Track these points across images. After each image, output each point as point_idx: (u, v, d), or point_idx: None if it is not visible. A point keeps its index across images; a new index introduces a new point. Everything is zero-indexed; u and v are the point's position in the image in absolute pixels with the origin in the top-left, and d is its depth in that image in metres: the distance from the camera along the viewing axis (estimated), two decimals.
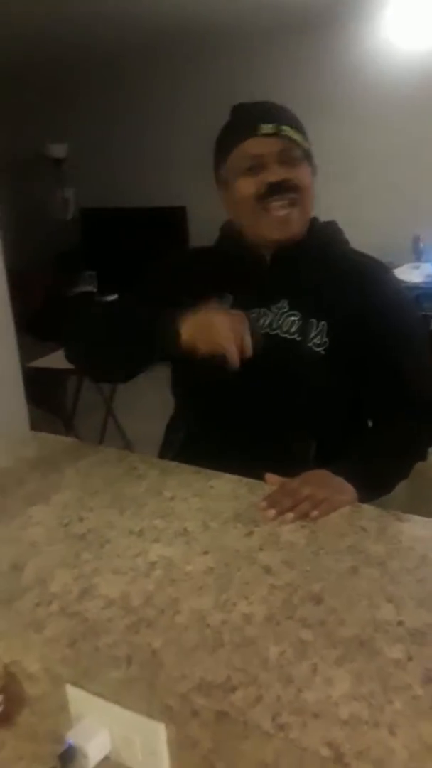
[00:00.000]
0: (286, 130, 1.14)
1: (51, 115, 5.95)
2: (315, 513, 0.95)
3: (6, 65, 5.31)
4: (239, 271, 1.24)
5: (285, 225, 1.16)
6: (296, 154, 1.15)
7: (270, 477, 1.05)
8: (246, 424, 1.17)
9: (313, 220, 1.26)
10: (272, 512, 0.95)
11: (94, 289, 5.78)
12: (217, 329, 1.02)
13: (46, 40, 4.74)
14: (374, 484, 1.08)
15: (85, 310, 1.25)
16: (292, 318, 1.18)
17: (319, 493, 0.98)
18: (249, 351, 1.01)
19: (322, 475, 1.03)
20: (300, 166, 1.16)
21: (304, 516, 0.95)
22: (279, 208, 1.14)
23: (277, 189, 1.13)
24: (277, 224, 1.16)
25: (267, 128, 1.13)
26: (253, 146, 1.14)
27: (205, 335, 1.03)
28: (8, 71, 5.46)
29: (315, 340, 1.16)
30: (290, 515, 0.95)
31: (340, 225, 1.30)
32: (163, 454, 1.27)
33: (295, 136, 1.15)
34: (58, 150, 5.95)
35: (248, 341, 1.01)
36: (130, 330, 1.14)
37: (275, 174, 1.13)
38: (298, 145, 1.15)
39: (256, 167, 1.14)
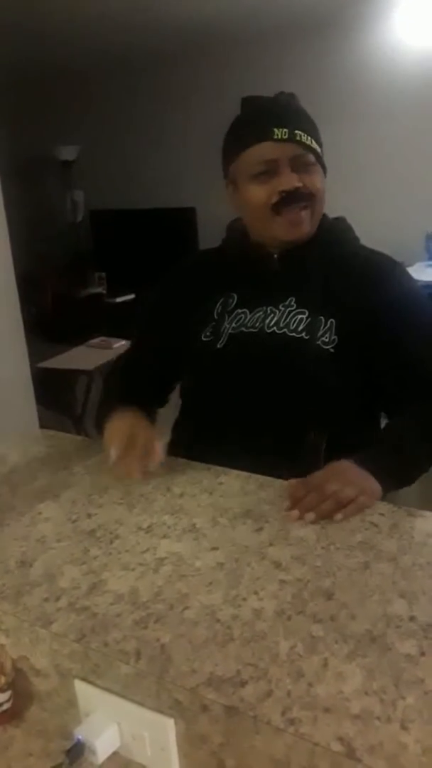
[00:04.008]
0: (300, 135, 1.12)
1: (60, 117, 5.98)
2: (339, 516, 0.93)
3: (17, 68, 5.34)
4: (246, 269, 1.24)
5: (297, 227, 1.16)
6: (309, 160, 1.14)
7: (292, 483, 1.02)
8: (255, 421, 1.16)
9: (323, 217, 1.25)
10: (295, 514, 0.93)
11: (104, 291, 5.80)
12: (109, 439, 1.12)
13: (56, 43, 4.76)
14: (401, 474, 1.06)
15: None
16: (300, 316, 1.17)
17: (345, 491, 0.95)
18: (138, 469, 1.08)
19: (347, 468, 1.00)
20: (313, 172, 1.15)
21: (328, 517, 0.93)
22: (291, 214, 1.14)
23: (290, 198, 1.12)
24: (289, 226, 1.15)
25: (280, 132, 1.10)
26: (265, 151, 1.12)
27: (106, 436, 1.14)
28: (18, 74, 5.49)
29: (323, 338, 1.14)
30: (311, 515, 0.92)
31: (353, 224, 1.29)
32: (171, 453, 1.27)
33: (308, 140, 1.13)
34: (68, 152, 5.98)
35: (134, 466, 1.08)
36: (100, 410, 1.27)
37: (288, 182, 1.12)
38: (311, 150, 1.14)
39: (268, 173, 1.13)
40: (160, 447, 1.08)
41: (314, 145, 1.14)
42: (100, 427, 1.21)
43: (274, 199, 1.13)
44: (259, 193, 1.14)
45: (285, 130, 1.11)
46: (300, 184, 1.12)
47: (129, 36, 4.74)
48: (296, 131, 1.11)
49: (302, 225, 1.16)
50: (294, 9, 4.29)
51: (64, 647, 0.73)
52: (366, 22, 4.55)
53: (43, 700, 0.80)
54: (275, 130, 1.11)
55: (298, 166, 1.13)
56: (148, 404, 1.33)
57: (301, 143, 1.12)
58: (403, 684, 0.62)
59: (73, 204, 6.16)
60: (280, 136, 1.11)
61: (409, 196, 4.67)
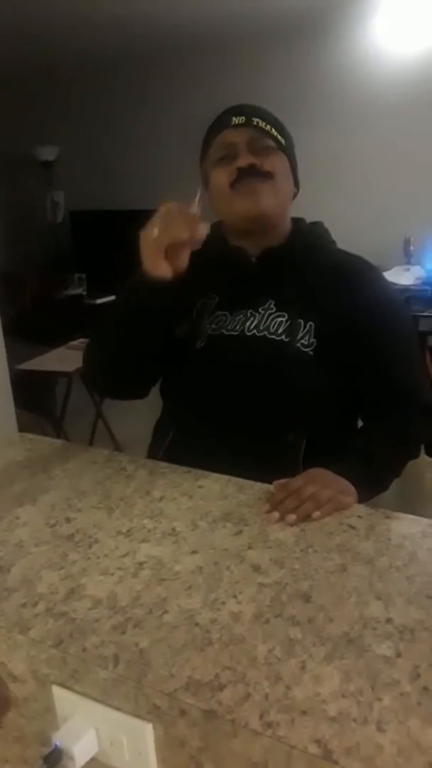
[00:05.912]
0: (257, 121, 1.18)
1: (41, 117, 5.94)
2: (317, 514, 0.94)
3: None
4: (226, 272, 1.25)
5: (253, 198, 1.15)
6: (267, 144, 1.18)
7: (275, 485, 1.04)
8: (235, 423, 1.17)
9: (300, 221, 1.28)
10: (275, 516, 0.94)
11: (84, 292, 5.77)
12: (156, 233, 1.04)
13: (37, 43, 4.73)
14: (374, 482, 1.09)
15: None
16: (280, 319, 1.18)
17: (323, 492, 0.97)
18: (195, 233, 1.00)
19: (324, 474, 1.02)
20: (271, 155, 1.18)
21: (307, 517, 0.94)
22: (248, 186, 1.16)
23: (245, 173, 1.16)
24: (245, 198, 1.16)
25: (238, 119, 1.18)
26: (226, 136, 1.19)
27: (145, 248, 1.06)
28: None
29: (302, 341, 1.16)
30: (292, 517, 0.93)
31: (331, 228, 1.31)
32: (151, 455, 1.27)
33: (266, 127, 1.18)
34: (48, 153, 5.94)
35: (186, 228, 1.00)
36: (119, 308, 1.21)
37: (244, 160, 1.16)
38: (270, 136, 1.18)
39: (228, 156, 1.18)
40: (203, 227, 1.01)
41: (274, 132, 1.19)
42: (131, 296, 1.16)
43: (234, 176, 1.16)
44: (221, 176, 1.18)
45: (242, 117, 1.18)
46: (256, 161, 1.16)
47: (108, 38, 4.73)
48: (253, 118, 1.18)
49: (258, 196, 1.15)
50: (272, 14, 4.31)
51: (41, 653, 0.73)
52: (344, 27, 4.58)
53: (21, 706, 0.79)
54: (233, 118, 1.18)
55: (257, 148, 1.17)
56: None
57: (258, 128, 1.17)
58: (379, 685, 0.63)
59: (53, 205, 6.12)
60: (237, 122, 1.18)
61: (388, 201, 4.72)
